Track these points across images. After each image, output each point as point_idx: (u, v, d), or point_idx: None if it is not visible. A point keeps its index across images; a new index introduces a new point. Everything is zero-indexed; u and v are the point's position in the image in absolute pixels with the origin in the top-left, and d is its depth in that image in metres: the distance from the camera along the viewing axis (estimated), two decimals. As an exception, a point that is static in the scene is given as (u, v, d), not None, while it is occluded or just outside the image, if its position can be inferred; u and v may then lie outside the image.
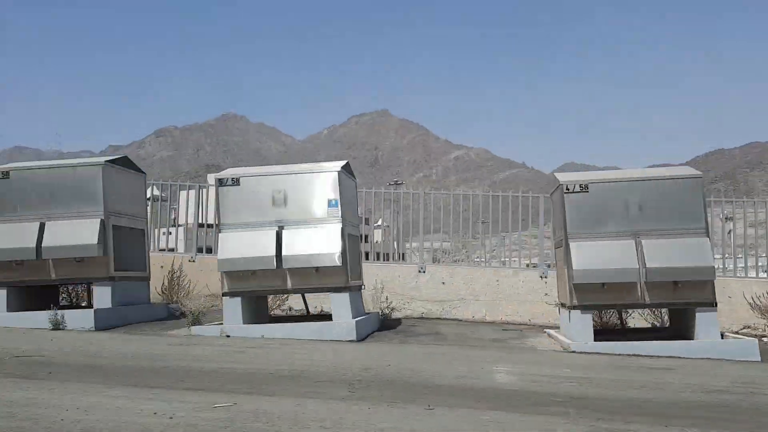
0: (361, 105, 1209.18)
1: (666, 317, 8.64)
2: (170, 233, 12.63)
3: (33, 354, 5.77)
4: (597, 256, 7.29)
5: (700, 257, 7.15)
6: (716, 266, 8.06)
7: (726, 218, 12.25)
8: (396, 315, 10.15)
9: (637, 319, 9.02)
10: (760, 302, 9.25)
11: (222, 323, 7.71)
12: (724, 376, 6.08)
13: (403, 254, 15.56)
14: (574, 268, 7.22)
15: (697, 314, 7.20)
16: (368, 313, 8.72)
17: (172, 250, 12.62)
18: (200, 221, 12.37)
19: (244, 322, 7.66)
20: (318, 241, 7.66)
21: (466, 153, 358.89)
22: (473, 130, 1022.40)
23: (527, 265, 14.80)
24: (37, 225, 7.95)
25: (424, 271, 11.00)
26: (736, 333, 8.82)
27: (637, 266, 7.15)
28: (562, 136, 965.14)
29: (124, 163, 8.94)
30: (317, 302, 9.51)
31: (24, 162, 9.22)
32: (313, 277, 7.71)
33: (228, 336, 7.41)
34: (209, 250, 11.82)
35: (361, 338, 7.64)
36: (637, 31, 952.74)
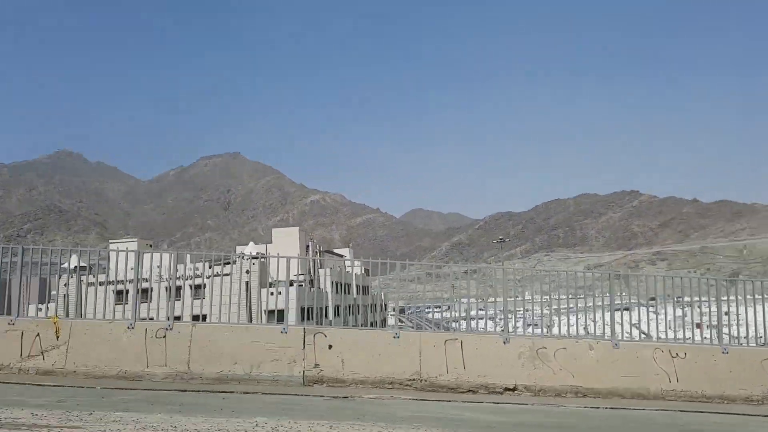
0: (211, 146, 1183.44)
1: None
2: (279, 293, 11.08)
3: None
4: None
5: None
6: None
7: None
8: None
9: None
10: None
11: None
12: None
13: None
14: None
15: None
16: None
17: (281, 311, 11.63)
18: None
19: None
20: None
21: (322, 197, 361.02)
22: (328, 175, 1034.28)
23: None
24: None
25: (398, 337, 10.26)
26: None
27: None
28: (411, 182, 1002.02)
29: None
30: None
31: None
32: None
33: None
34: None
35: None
36: (484, 81, 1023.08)
